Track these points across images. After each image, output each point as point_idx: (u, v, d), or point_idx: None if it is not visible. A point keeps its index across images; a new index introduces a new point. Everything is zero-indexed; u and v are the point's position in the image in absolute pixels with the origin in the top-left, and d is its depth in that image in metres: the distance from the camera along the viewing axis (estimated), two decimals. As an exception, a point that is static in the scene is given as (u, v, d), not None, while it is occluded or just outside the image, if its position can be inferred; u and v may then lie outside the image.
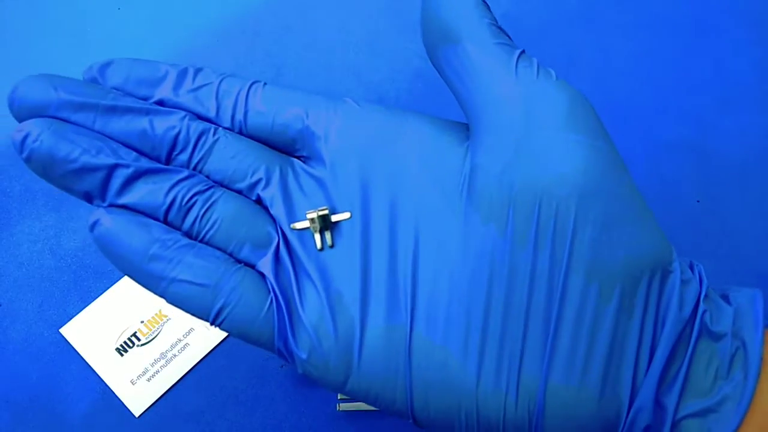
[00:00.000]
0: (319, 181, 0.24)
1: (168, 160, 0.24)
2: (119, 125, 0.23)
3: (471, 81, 0.23)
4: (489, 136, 0.22)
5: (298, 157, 0.25)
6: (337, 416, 0.35)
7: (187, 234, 0.23)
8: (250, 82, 0.25)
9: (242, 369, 0.36)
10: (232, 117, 0.24)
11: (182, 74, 0.24)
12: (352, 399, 0.34)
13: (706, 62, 0.47)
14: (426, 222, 0.23)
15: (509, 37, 0.23)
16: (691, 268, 0.23)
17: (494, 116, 0.22)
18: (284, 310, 0.22)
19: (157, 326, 0.37)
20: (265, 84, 0.25)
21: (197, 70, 0.25)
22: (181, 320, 0.37)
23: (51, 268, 0.39)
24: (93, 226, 0.23)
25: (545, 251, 0.21)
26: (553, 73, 0.23)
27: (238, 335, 0.23)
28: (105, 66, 0.25)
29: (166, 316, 0.37)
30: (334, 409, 0.35)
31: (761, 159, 0.43)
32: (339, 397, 0.35)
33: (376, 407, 0.23)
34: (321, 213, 0.23)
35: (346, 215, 0.23)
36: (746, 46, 0.48)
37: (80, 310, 0.37)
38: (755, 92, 0.46)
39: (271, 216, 0.24)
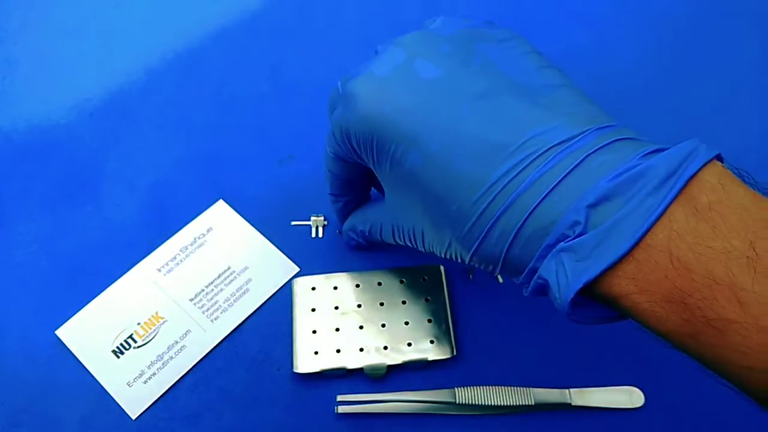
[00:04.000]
0: None
1: None
2: None
3: None
4: None
5: None
6: (335, 418, 0.34)
7: None
8: None
9: (240, 371, 0.36)
10: None
11: None
12: (352, 401, 0.34)
13: (705, 62, 0.47)
14: None
15: None
16: None
17: None
18: None
19: (153, 328, 0.37)
20: None
21: None
22: (177, 322, 0.37)
23: (46, 270, 0.39)
24: None
25: None
26: None
27: None
28: None
29: (162, 318, 0.37)
30: (332, 411, 0.34)
31: (761, 158, 0.43)
32: (338, 400, 0.34)
33: None
34: None
35: None
36: (746, 46, 0.48)
37: (76, 312, 0.37)
38: (755, 92, 0.46)
39: None
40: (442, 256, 0.29)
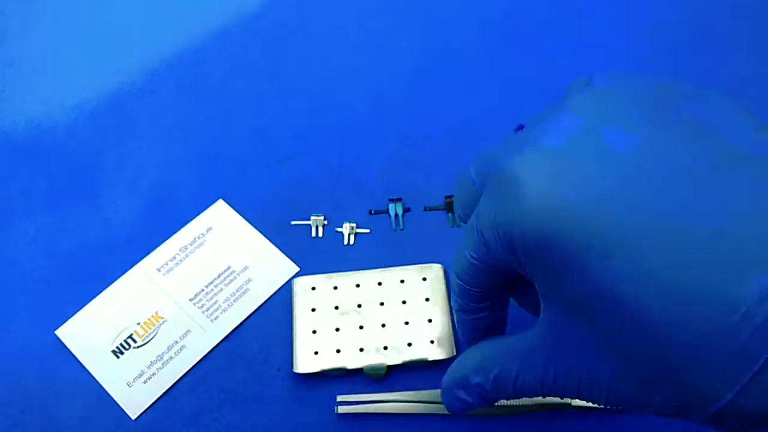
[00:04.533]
0: None
1: None
2: None
3: None
4: None
5: None
6: (335, 418, 0.34)
7: None
8: None
9: (239, 371, 0.36)
10: None
11: None
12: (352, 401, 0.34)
13: (705, 62, 0.47)
14: None
15: None
16: None
17: None
18: None
19: (153, 328, 0.37)
20: None
21: None
22: (177, 322, 0.37)
23: (46, 269, 0.39)
24: None
25: None
26: None
27: None
28: None
29: (162, 318, 0.37)
30: (332, 411, 0.34)
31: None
32: (338, 400, 0.34)
33: None
34: None
35: None
36: (746, 46, 0.48)
37: (76, 312, 0.37)
38: (755, 92, 0.46)
39: None
40: (638, 411, 0.21)
